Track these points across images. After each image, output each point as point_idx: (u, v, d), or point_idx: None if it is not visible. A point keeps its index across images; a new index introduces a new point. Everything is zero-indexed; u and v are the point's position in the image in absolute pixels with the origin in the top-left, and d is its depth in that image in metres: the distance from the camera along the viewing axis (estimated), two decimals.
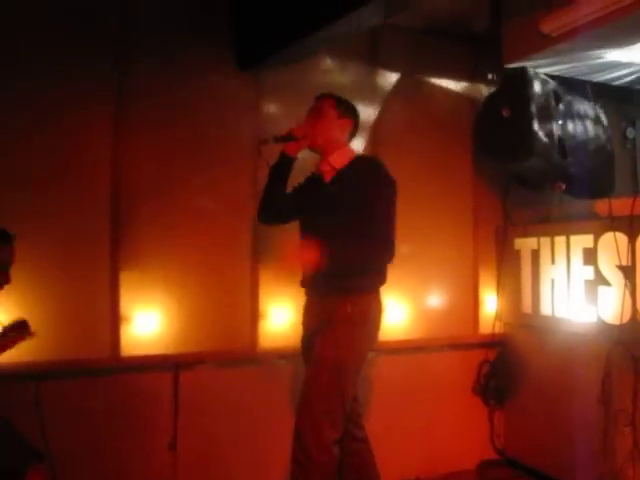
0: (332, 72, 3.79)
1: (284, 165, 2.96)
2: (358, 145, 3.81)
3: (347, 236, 2.66)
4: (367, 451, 2.99)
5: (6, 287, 2.54)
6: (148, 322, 3.29)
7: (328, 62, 3.77)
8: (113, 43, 3.26)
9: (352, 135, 2.99)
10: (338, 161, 2.86)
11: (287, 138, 2.91)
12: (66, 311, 3.11)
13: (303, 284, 2.94)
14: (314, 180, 2.98)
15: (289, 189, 3.02)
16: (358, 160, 2.90)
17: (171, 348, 3.32)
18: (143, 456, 3.25)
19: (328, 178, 2.88)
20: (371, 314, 2.78)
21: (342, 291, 2.72)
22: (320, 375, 2.67)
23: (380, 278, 2.85)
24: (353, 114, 2.98)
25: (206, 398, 3.39)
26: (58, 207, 3.13)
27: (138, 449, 3.24)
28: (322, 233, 2.68)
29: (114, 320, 3.23)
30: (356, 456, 2.92)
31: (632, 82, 4.08)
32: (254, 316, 3.53)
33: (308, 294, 2.94)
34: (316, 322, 2.82)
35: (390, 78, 3.98)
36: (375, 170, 2.80)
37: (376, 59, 3.92)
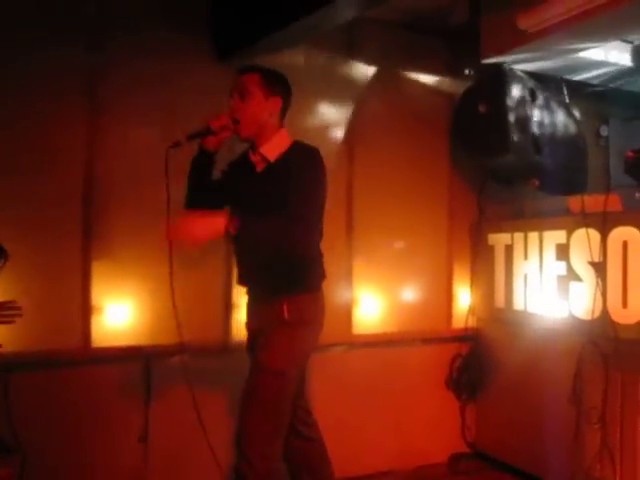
0: (310, 64, 3.77)
1: (204, 160, 2.71)
2: (335, 137, 3.84)
3: (264, 217, 2.47)
4: (316, 449, 2.87)
5: None
6: (120, 313, 3.26)
7: (306, 54, 3.75)
8: (87, 31, 3.20)
9: (285, 111, 2.68)
10: (270, 153, 2.60)
11: (203, 133, 2.63)
12: (37, 301, 3.05)
13: (239, 282, 2.81)
14: (245, 165, 2.70)
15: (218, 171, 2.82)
16: (293, 149, 2.61)
17: (143, 339, 3.29)
18: (114, 448, 3.22)
19: (259, 168, 2.65)
20: (310, 315, 2.63)
21: (277, 292, 2.58)
22: (261, 382, 2.57)
23: (317, 275, 2.69)
24: (283, 89, 2.65)
25: (177, 390, 3.35)
26: (30, 196, 3.07)
27: (109, 441, 3.20)
28: (247, 215, 2.48)
29: (85, 310, 3.18)
30: (304, 453, 2.83)
31: (606, 81, 4.13)
32: (227, 307, 3.51)
33: (247, 293, 2.82)
34: (255, 324, 2.73)
35: (367, 71, 3.97)
36: (307, 159, 2.55)
37: (354, 52, 3.91)
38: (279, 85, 2.64)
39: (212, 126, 2.61)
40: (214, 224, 2.40)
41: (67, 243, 3.16)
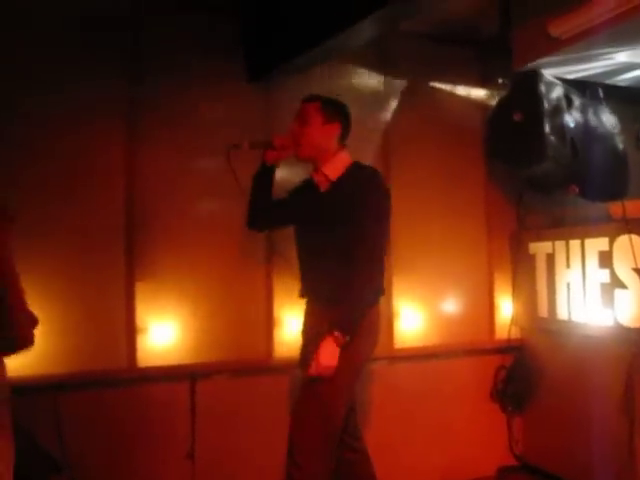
0: (342, 80, 3.81)
1: (264, 174, 2.93)
2: (370, 151, 3.85)
3: (341, 256, 2.63)
4: (363, 462, 2.91)
5: None
6: (164, 333, 3.31)
7: (338, 70, 3.79)
8: (125, 57, 3.30)
9: (343, 138, 2.87)
10: (332, 172, 2.78)
11: (264, 145, 2.86)
12: (82, 322, 3.14)
13: (301, 294, 2.93)
14: (310, 187, 2.90)
15: (285, 193, 3.02)
16: (354, 170, 2.79)
17: (187, 358, 3.34)
18: (161, 466, 3.26)
19: (323, 189, 2.82)
20: (368, 327, 2.70)
21: (339, 302, 2.64)
22: (314, 391, 2.63)
23: (377, 291, 2.78)
24: (341, 116, 2.85)
25: (223, 407, 3.40)
26: (73, 218, 3.16)
27: (156, 459, 3.25)
28: (316, 246, 2.73)
29: (130, 331, 3.25)
30: (352, 466, 2.87)
31: None
32: (269, 325, 3.54)
33: (307, 304, 2.94)
34: (313, 333, 2.78)
35: (401, 85, 3.99)
36: (371, 182, 2.72)
37: (386, 66, 3.93)
38: (338, 112, 2.84)
39: (274, 141, 2.85)
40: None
41: (111, 265, 3.23)
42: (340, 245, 2.66)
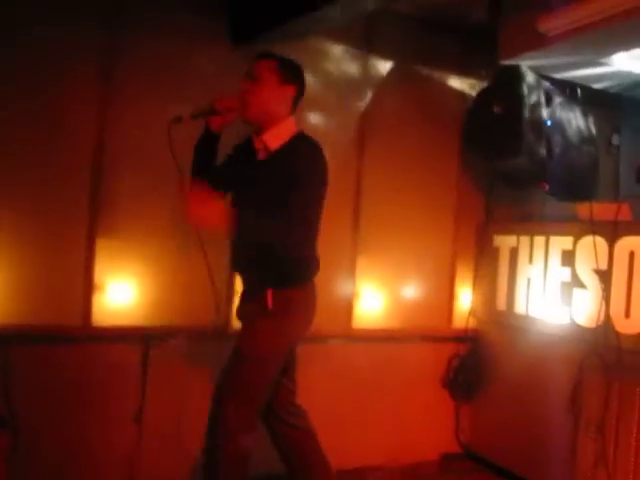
0: (327, 54, 3.75)
1: (207, 142, 2.70)
2: (346, 130, 3.82)
3: (264, 216, 2.47)
4: (306, 438, 2.85)
5: None
6: (121, 292, 3.25)
7: (322, 45, 3.73)
8: (105, 10, 3.18)
9: (297, 101, 2.68)
10: (273, 141, 2.59)
11: (208, 112, 2.61)
12: (39, 275, 3.06)
13: (232, 268, 2.85)
14: (247, 151, 2.70)
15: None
16: (295, 141, 2.60)
17: (142, 320, 3.29)
18: (109, 427, 3.22)
19: (261, 156, 2.65)
20: (296, 307, 2.63)
21: (265, 283, 2.59)
22: (236, 366, 2.61)
23: (308, 268, 2.68)
24: (297, 78, 2.65)
25: (175, 372, 3.36)
26: (37, 171, 3.07)
27: (104, 420, 3.20)
28: (247, 210, 2.55)
29: (87, 288, 3.18)
30: (293, 442, 2.83)
31: (621, 89, 4.11)
32: (230, 293, 3.50)
33: (241, 281, 2.84)
34: (242, 310, 2.76)
35: (383, 66, 3.95)
36: (307, 156, 2.55)
37: (371, 45, 3.88)
38: (294, 75, 2.65)
39: (217, 106, 2.60)
40: (211, 214, 2.41)
41: (74, 217, 3.15)
42: (266, 211, 2.50)
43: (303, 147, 2.59)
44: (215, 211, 2.42)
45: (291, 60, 2.68)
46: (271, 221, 2.48)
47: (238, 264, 2.78)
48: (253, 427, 2.64)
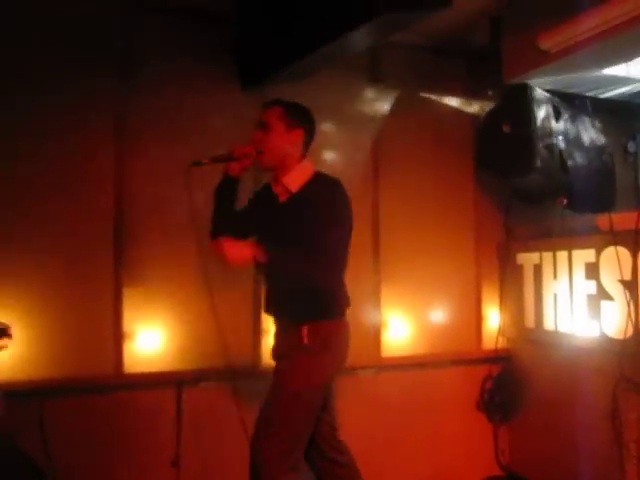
0: (334, 89, 3.81)
1: (227, 186, 2.80)
2: (359, 161, 3.86)
3: (290, 253, 2.53)
4: (352, 475, 2.87)
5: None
6: (151, 339, 3.30)
7: (330, 79, 3.78)
8: (117, 62, 3.30)
9: (307, 144, 2.76)
10: (292, 184, 2.67)
11: (226, 158, 2.73)
12: (69, 328, 3.12)
13: (266, 310, 2.88)
14: (269, 195, 2.78)
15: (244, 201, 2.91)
16: (314, 181, 2.68)
17: (173, 365, 3.33)
18: (146, 473, 3.25)
19: (282, 199, 2.72)
20: (331, 342, 2.65)
21: (298, 319, 2.63)
22: (276, 405, 2.62)
23: (339, 302, 2.72)
24: (305, 121, 2.73)
25: (209, 414, 3.38)
26: (61, 223, 3.16)
27: (141, 466, 3.23)
28: (273, 251, 2.58)
29: (117, 337, 3.24)
30: (335, 478, 2.84)
31: (632, 96, 4.10)
32: (256, 333, 3.53)
33: (274, 321, 2.88)
34: (279, 350, 2.78)
35: (391, 95, 4.00)
36: (328, 194, 2.60)
37: (377, 76, 3.95)
38: (301, 118, 2.73)
39: (235, 152, 2.71)
40: (243, 252, 2.48)
41: (99, 270, 3.23)
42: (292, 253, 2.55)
43: (324, 185, 2.65)
44: (248, 248, 2.50)
45: (297, 104, 2.76)
46: (293, 253, 2.52)
47: (271, 305, 2.83)
48: (296, 466, 2.64)
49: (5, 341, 2.58)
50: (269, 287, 2.83)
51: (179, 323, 3.36)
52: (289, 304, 2.69)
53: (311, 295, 2.63)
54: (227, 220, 2.82)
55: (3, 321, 2.63)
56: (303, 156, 2.75)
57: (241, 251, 2.48)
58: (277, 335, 2.84)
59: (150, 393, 3.28)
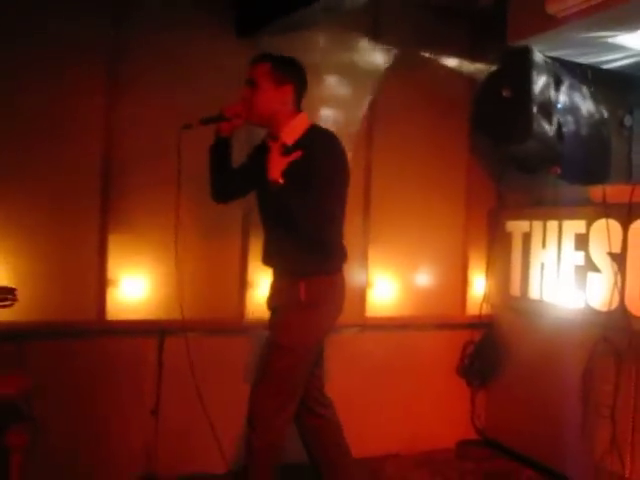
0: (332, 42, 3.72)
1: (221, 146, 2.79)
2: (354, 118, 3.80)
3: (291, 219, 2.53)
4: (330, 428, 2.90)
5: None
6: (135, 286, 3.28)
7: (329, 32, 3.70)
8: (112, 4, 3.20)
9: (299, 97, 2.70)
10: (288, 137, 2.63)
11: (216, 119, 2.69)
12: (52, 272, 3.09)
13: (263, 262, 2.86)
14: (266, 151, 2.70)
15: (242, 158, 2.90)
16: (309, 134, 2.64)
17: (157, 314, 3.31)
18: (125, 420, 3.26)
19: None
20: (326, 297, 2.67)
21: (294, 274, 2.64)
22: (272, 358, 2.65)
23: (336, 257, 2.73)
24: (294, 76, 2.67)
25: (190, 365, 3.37)
26: (49, 166, 3.09)
27: (121, 413, 3.24)
28: (273, 215, 2.66)
29: (101, 283, 3.21)
30: (317, 432, 2.87)
31: (633, 69, 4.05)
32: (242, 285, 3.51)
33: (272, 272, 2.86)
34: (274, 303, 2.78)
35: (390, 52, 3.91)
36: (324, 146, 2.58)
37: (377, 32, 3.85)
38: (290, 73, 2.66)
39: (226, 113, 2.68)
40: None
41: (85, 215, 3.18)
42: (291, 210, 2.54)
43: (319, 138, 2.62)
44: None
45: (286, 58, 2.69)
46: (295, 206, 2.50)
47: (268, 257, 2.81)
48: (290, 419, 2.69)
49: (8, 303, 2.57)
50: (267, 238, 2.80)
51: (163, 272, 3.32)
52: (288, 257, 2.67)
53: (310, 249, 2.61)
54: (225, 179, 2.83)
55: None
56: (297, 109, 2.70)
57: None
58: (273, 286, 2.83)
59: (132, 341, 3.27)
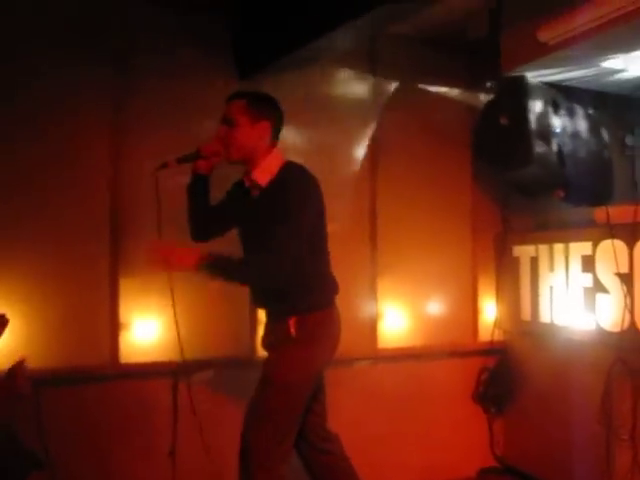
0: (332, 80, 3.81)
1: (198, 184, 2.77)
2: (357, 152, 3.86)
3: (261, 250, 2.53)
4: (339, 463, 2.84)
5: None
6: (147, 329, 3.30)
7: (328, 70, 3.79)
8: (113, 53, 3.29)
9: (276, 133, 2.68)
10: (262, 177, 2.62)
11: (193, 157, 2.69)
12: (65, 318, 3.12)
13: (253, 302, 2.87)
14: (242, 189, 2.75)
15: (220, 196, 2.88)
16: (283, 173, 2.61)
17: (170, 355, 3.32)
18: (143, 462, 3.25)
19: (254, 193, 2.68)
20: (319, 332, 2.62)
21: (284, 312, 2.62)
22: (266, 396, 2.61)
23: (325, 292, 2.69)
24: (270, 112, 2.65)
25: (205, 404, 3.38)
26: (58, 213, 3.15)
27: (138, 455, 3.24)
28: (251, 247, 2.66)
29: (113, 327, 3.24)
30: (329, 469, 2.82)
31: (630, 90, 4.10)
32: (253, 322, 3.53)
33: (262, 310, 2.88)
34: (267, 338, 2.78)
35: (390, 86, 4.00)
36: (293, 183, 2.56)
37: (376, 67, 3.94)
38: (266, 109, 2.65)
39: (202, 151, 2.68)
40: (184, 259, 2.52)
41: (95, 260, 3.22)
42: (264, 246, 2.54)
43: (290, 175, 2.61)
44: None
45: (260, 94, 2.72)
46: (259, 259, 2.53)
47: (257, 299, 2.83)
48: (286, 456, 2.64)
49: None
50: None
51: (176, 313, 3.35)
52: (274, 300, 2.68)
53: (296, 283, 2.59)
54: (204, 218, 2.81)
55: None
56: (273, 145, 2.68)
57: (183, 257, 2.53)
58: (266, 325, 2.83)
59: (146, 383, 3.28)
